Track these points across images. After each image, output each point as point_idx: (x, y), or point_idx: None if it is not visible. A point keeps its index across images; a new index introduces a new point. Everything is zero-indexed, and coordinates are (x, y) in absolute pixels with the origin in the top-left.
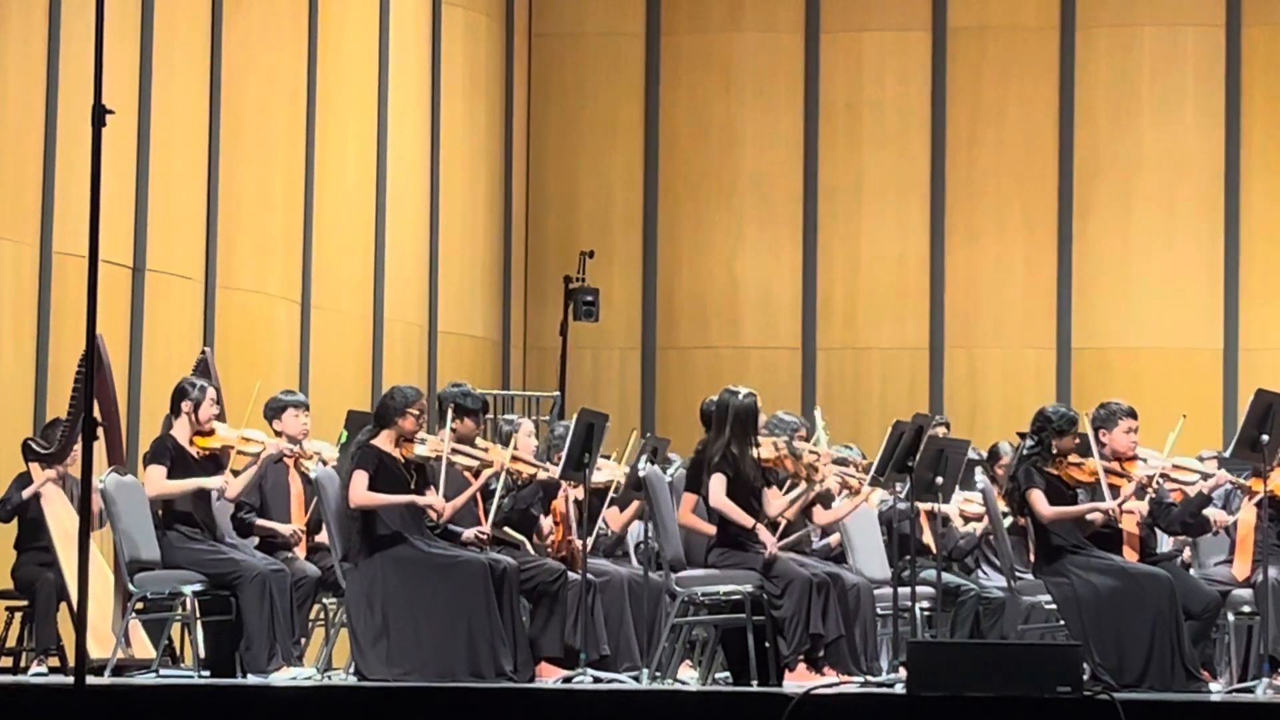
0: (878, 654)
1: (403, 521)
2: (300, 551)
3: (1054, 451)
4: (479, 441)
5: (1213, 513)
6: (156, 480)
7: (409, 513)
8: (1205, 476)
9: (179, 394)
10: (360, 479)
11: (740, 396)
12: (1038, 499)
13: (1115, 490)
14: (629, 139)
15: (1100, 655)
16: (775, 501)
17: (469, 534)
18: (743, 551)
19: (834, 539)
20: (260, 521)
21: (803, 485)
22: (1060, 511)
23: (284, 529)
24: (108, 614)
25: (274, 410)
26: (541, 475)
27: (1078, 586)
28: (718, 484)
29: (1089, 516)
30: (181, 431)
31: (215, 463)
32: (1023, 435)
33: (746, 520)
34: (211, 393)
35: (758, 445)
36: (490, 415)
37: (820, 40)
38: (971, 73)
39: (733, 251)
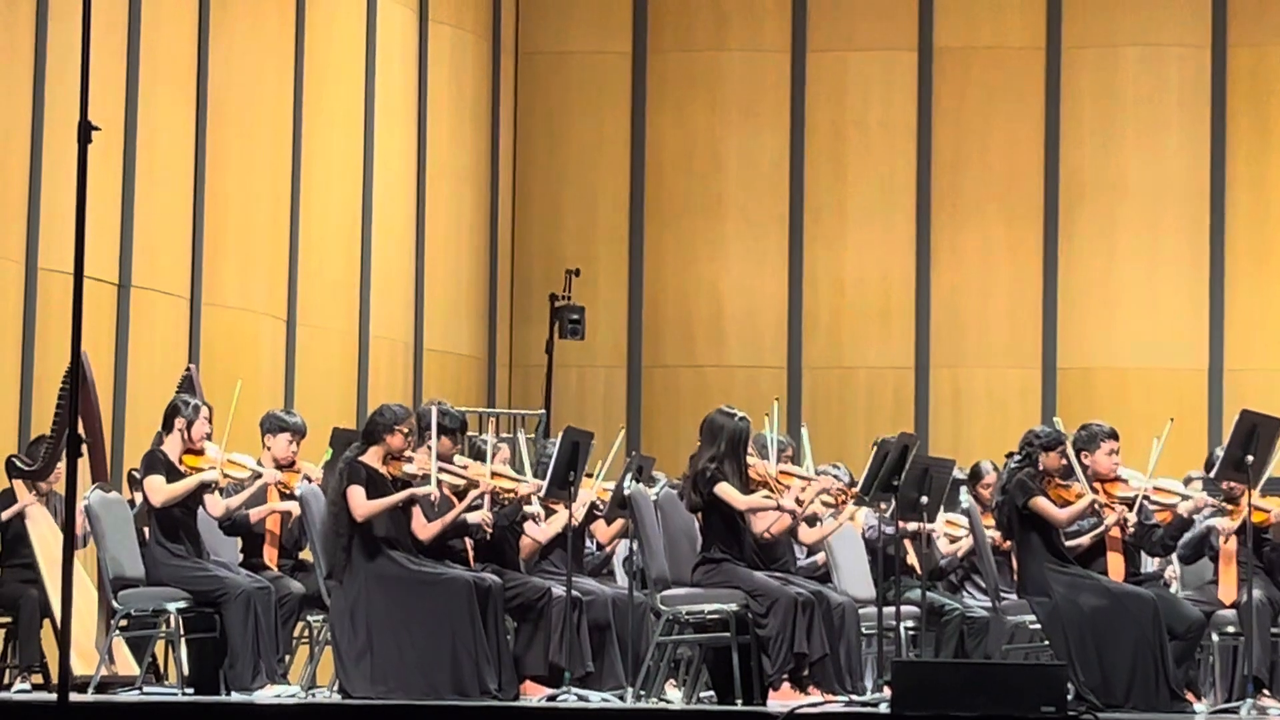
0: (862, 673)
1: (387, 529)
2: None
3: (1040, 468)
4: (457, 459)
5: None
6: (160, 488)
7: (395, 525)
8: (1186, 499)
9: (172, 411)
10: (358, 492)
11: (735, 419)
12: (1046, 505)
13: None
14: (615, 157)
15: (1084, 675)
16: (760, 520)
17: (476, 516)
18: (729, 568)
19: (819, 557)
20: (253, 512)
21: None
22: (1072, 512)
23: (282, 507)
24: (91, 631)
25: (272, 428)
26: (523, 490)
27: (1062, 606)
28: (729, 490)
29: (1076, 541)
30: (172, 448)
31: (199, 487)
32: (1010, 455)
33: (770, 504)
34: (205, 412)
35: (748, 467)
36: (475, 433)
37: (806, 60)
38: (957, 93)
39: (718, 270)
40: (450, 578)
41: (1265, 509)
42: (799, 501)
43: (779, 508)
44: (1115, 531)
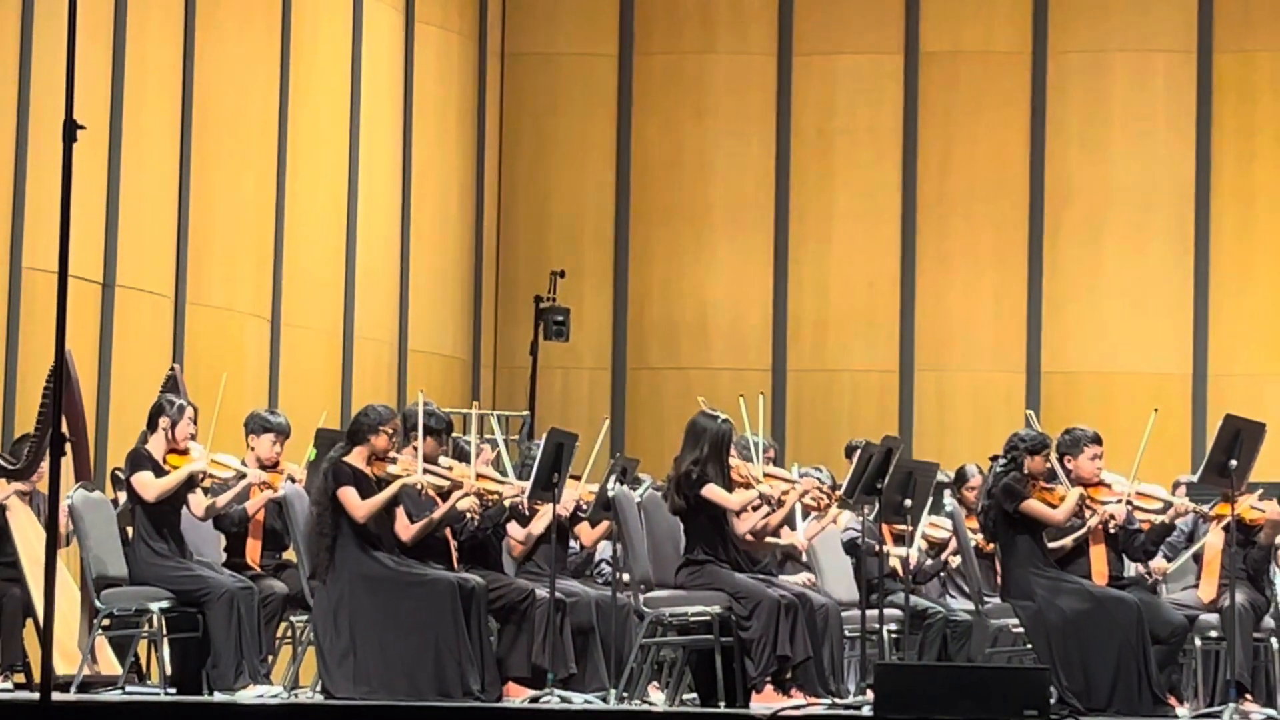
0: (845, 676)
1: (371, 529)
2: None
3: (1025, 471)
4: (442, 460)
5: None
6: (150, 483)
7: (378, 525)
8: (1168, 505)
9: (157, 410)
10: (352, 493)
11: (718, 421)
12: (1039, 507)
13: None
14: (601, 159)
15: (1067, 679)
16: (744, 522)
17: (465, 503)
18: (712, 570)
19: (804, 577)
20: (250, 504)
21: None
22: (1067, 509)
23: (270, 495)
24: (74, 630)
25: (256, 428)
26: (508, 492)
27: (1045, 610)
28: (718, 491)
29: (1059, 542)
30: (156, 447)
31: (188, 481)
32: (994, 459)
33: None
34: (190, 412)
35: (730, 469)
36: (459, 434)
37: (793, 63)
38: (943, 97)
39: (704, 272)
40: (434, 579)
41: (1260, 509)
42: (781, 503)
43: (761, 496)
44: (1099, 527)
